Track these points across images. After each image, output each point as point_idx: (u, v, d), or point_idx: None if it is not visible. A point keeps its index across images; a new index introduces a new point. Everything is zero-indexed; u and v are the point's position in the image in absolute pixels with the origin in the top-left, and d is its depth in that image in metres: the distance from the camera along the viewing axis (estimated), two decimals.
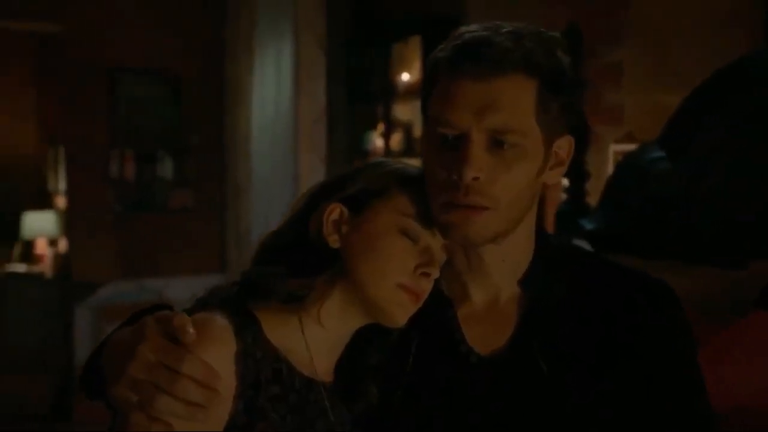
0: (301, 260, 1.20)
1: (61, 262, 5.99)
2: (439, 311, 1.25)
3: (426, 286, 1.19)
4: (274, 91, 5.51)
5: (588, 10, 3.61)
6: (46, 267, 6.23)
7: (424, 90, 1.20)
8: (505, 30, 1.14)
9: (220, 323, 1.11)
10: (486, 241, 1.19)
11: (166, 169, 5.88)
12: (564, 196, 3.09)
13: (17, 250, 6.46)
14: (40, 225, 6.31)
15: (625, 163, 2.79)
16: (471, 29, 1.16)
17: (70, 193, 5.64)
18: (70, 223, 5.68)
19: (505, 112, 1.13)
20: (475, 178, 1.13)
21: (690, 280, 1.94)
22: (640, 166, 2.69)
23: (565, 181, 3.05)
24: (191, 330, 1.04)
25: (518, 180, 1.15)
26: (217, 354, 1.07)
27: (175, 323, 1.04)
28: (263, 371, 1.13)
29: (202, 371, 1.03)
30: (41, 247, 6.36)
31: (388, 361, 1.23)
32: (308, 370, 1.19)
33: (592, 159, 3.31)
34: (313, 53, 5.37)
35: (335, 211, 1.21)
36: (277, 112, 5.49)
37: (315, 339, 1.20)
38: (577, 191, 3.00)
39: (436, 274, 1.20)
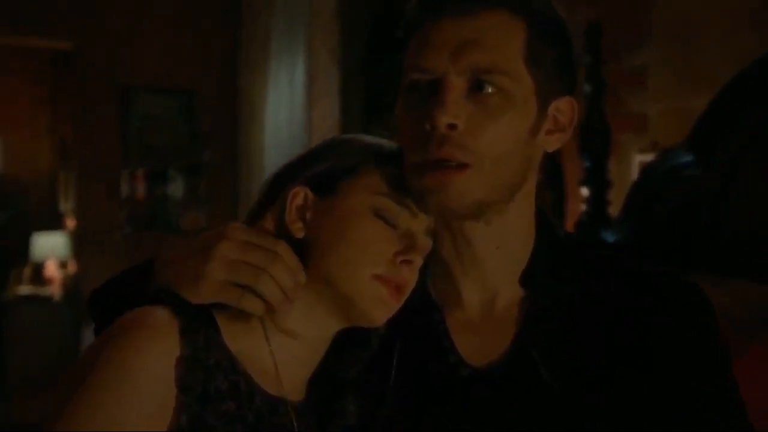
0: None
1: (71, 283, 5.88)
2: (424, 315, 1.06)
3: (408, 276, 1.01)
4: (288, 107, 5.42)
5: (609, 11, 3.43)
6: (55, 289, 6.11)
7: (401, 44, 1.04)
8: None
9: (161, 320, 0.93)
10: (469, 211, 1.00)
11: (177, 188, 5.78)
12: (583, 206, 2.90)
13: (27, 272, 6.35)
14: (50, 247, 6.20)
15: (651, 169, 2.61)
16: None
17: (80, 213, 5.56)
18: (79, 243, 5.58)
19: (488, 49, 0.98)
20: (452, 126, 0.96)
21: (726, 295, 1.76)
22: (667, 171, 2.51)
23: (585, 191, 2.86)
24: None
25: (504, 133, 0.98)
26: (152, 356, 0.90)
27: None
28: (215, 383, 0.95)
29: (293, 262, 0.98)
30: (51, 269, 6.25)
31: (367, 374, 1.05)
32: (273, 385, 1.01)
33: (614, 169, 3.12)
34: (327, 68, 5.26)
35: (299, 194, 1.03)
36: (291, 129, 5.38)
37: (281, 347, 1.02)
38: (598, 201, 2.80)
39: (419, 261, 1.02)
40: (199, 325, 0.96)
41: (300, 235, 1.02)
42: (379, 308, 1.00)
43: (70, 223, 6.24)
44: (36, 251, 6.23)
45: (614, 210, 2.87)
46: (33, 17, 5.33)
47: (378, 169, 1.03)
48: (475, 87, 0.98)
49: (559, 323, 1.02)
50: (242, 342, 0.99)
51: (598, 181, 2.81)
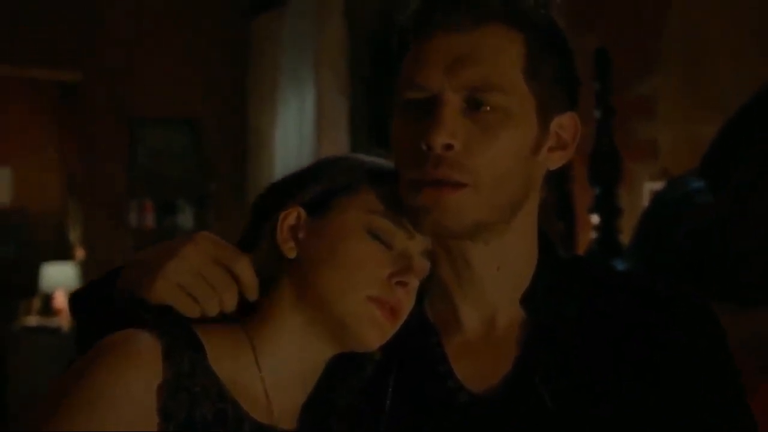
0: (260, 275, 0.99)
1: None
2: (421, 339, 1.02)
3: (403, 298, 0.97)
4: (297, 137, 5.42)
5: (617, 38, 3.41)
6: (64, 320, 6.09)
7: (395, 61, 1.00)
8: None
9: (144, 344, 0.89)
10: (466, 230, 0.96)
11: (187, 218, 5.77)
12: (594, 234, 2.85)
13: (36, 303, 6.33)
14: (59, 277, 6.18)
15: (662, 196, 2.56)
16: None
17: (89, 244, 5.55)
18: (87, 273, 5.56)
19: (485, 64, 0.94)
20: (449, 147, 0.93)
21: (743, 324, 1.71)
22: (678, 198, 2.46)
23: (595, 218, 2.82)
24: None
25: (504, 151, 0.94)
26: (133, 382, 0.86)
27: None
28: (200, 410, 0.91)
29: (250, 280, 0.98)
30: (60, 300, 6.22)
31: (362, 400, 1.01)
32: (263, 413, 0.96)
33: (624, 197, 3.08)
34: (336, 99, 5.26)
35: (291, 214, 1.00)
36: (300, 160, 5.37)
37: (273, 372, 0.98)
38: (608, 228, 2.76)
39: (415, 283, 0.98)
40: (184, 348, 0.92)
41: (292, 255, 0.99)
42: (373, 331, 0.96)
43: (80, 253, 6.22)
44: (45, 282, 6.21)
45: (625, 239, 2.82)
46: (41, 49, 5.37)
47: (373, 188, 1.00)
48: (473, 104, 0.94)
49: (562, 345, 0.98)
50: (231, 367, 0.95)
51: (608, 208, 2.77)
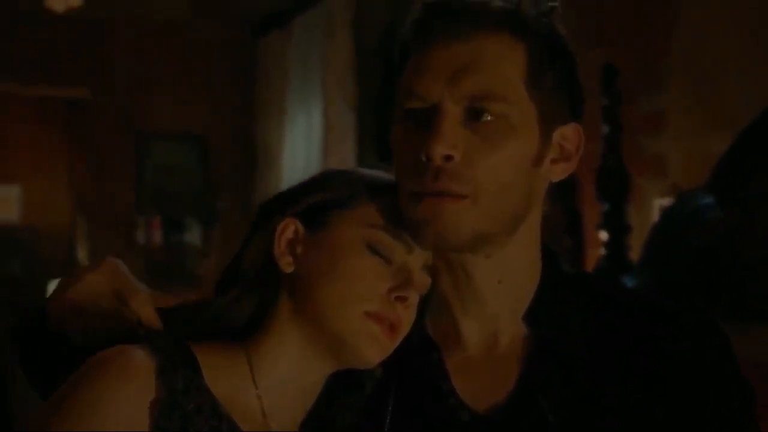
0: (256, 289, 0.97)
1: None
2: (422, 355, 0.99)
3: (403, 314, 0.94)
4: (305, 154, 5.41)
5: (626, 54, 3.39)
6: None
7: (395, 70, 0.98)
8: None
9: (136, 360, 0.87)
10: (466, 243, 0.94)
11: (194, 235, 5.76)
12: (603, 251, 2.83)
13: None
14: None
15: (671, 212, 2.55)
16: None
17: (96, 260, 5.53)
18: None
19: (485, 73, 0.92)
20: (448, 158, 0.90)
21: (754, 343, 1.68)
22: (688, 214, 2.45)
23: (604, 235, 2.80)
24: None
25: (505, 163, 0.92)
26: (124, 399, 0.84)
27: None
28: (194, 428, 0.88)
29: (147, 315, 0.96)
30: None
31: (361, 419, 0.98)
32: None
33: (633, 214, 3.05)
34: (344, 115, 5.26)
35: (289, 227, 0.97)
36: (308, 175, 5.34)
37: (270, 390, 0.95)
38: (616, 245, 2.74)
39: (415, 298, 0.96)
40: (178, 365, 0.89)
41: (289, 269, 0.96)
42: (372, 348, 0.93)
43: None
44: None
45: (635, 256, 2.80)
46: (50, 66, 5.38)
47: (372, 201, 0.97)
48: (473, 114, 0.92)
49: (566, 361, 0.95)
50: (226, 384, 0.93)
51: (617, 224, 2.75)
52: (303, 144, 5.41)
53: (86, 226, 6.04)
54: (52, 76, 5.46)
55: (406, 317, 0.95)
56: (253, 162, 5.71)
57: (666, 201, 3.21)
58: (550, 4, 0.96)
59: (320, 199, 0.98)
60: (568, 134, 0.98)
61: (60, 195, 6.81)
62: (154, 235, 5.66)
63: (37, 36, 5.26)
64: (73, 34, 5.32)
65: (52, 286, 5.38)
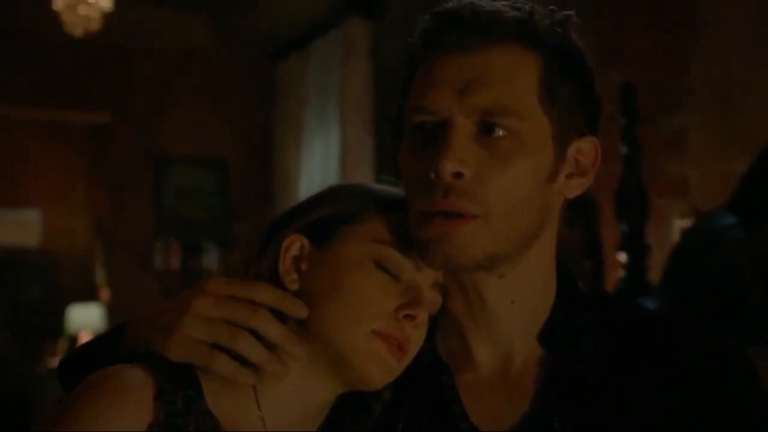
0: None
1: None
2: (432, 377, 0.96)
3: (411, 333, 0.91)
4: (322, 178, 5.39)
5: (645, 74, 3.36)
6: None
7: (404, 83, 0.95)
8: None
9: (133, 380, 0.84)
10: (477, 263, 0.90)
11: (212, 260, 5.76)
12: (622, 272, 2.78)
13: (62, 344, 6.31)
14: (84, 319, 6.17)
15: (692, 233, 2.50)
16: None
17: (114, 285, 5.54)
18: (112, 315, 5.54)
19: (497, 87, 0.88)
20: (458, 175, 0.87)
21: None
22: (710, 235, 2.40)
23: (623, 256, 2.75)
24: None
25: (517, 180, 0.88)
26: (120, 421, 0.81)
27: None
28: None
29: (276, 297, 0.90)
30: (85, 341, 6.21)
31: None
32: None
33: (653, 235, 3.00)
34: (361, 138, 5.24)
35: (294, 244, 0.95)
36: None
37: (274, 413, 0.92)
38: (636, 266, 2.69)
39: (424, 317, 0.92)
40: (178, 385, 0.87)
41: (294, 287, 0.93)
42: (378, 368, 0.90)
43: (105, 294, 6.22)
44: (71, 323, 6.20)
45: (655, 278, 2.75)
46: (71, 91, 5.42)
47: (380, 217, 0.94)
48: (484, 129, 0.89)
49: (582, 384, 0.91)
50: (228, 406, 0.90)
51: (637, 246, 2.71)
52: (320, 167, 5.40)
53: (104, 251, 6.05)
54: (71, 102, 5.50)
55: (415, 337, 0.92)
56: (271, 186, 5.71)
57: (686, 222, 3.16)
58: (564, 13, 0.93)
59: (327, 214, 0.95)
60: (584, 148, 0.94)
61: (79, 219, 6.84)
62: (171, 260, 5.66)
63: (56, 61, 5.30)
64: (93, 59, 5.36)
65: (71, 309, 5.34)
